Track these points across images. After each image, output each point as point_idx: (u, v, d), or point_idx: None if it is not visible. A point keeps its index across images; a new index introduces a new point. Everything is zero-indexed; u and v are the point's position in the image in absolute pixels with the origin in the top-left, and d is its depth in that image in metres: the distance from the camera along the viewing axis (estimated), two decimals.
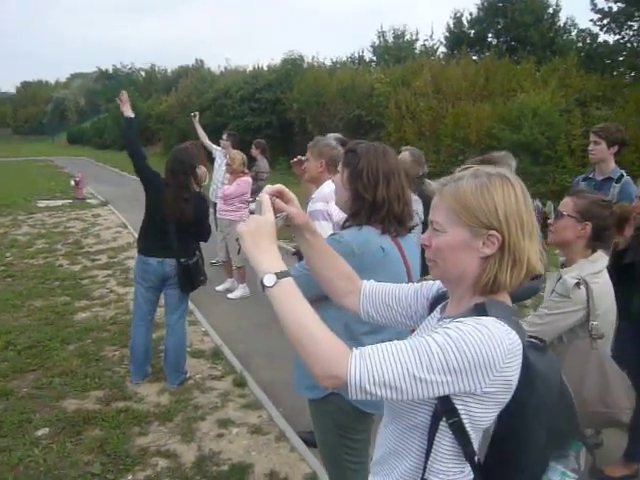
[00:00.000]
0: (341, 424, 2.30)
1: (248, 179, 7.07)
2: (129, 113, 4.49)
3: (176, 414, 4.15)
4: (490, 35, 24.03)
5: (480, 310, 1.22)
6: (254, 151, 8.93)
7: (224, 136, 8.58)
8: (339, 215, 3.45)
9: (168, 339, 4.66)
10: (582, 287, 2.35)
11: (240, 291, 7.20)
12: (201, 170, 4.50)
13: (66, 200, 15.18)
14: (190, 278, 4.45)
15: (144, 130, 38.16)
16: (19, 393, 4.48)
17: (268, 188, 1.45)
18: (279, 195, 1.47)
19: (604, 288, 2.44)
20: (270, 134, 23.14)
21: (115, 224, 12.07)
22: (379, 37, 30.41)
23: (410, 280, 2.19)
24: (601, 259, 2.49)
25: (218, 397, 4.44)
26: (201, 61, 48.56)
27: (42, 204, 14.47)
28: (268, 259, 1.26)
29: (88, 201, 15.14)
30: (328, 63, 26.56)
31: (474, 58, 21.12)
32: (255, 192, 8.61)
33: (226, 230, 7.01)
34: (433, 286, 1.54)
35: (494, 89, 16.00)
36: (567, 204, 2.50)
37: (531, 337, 1.31)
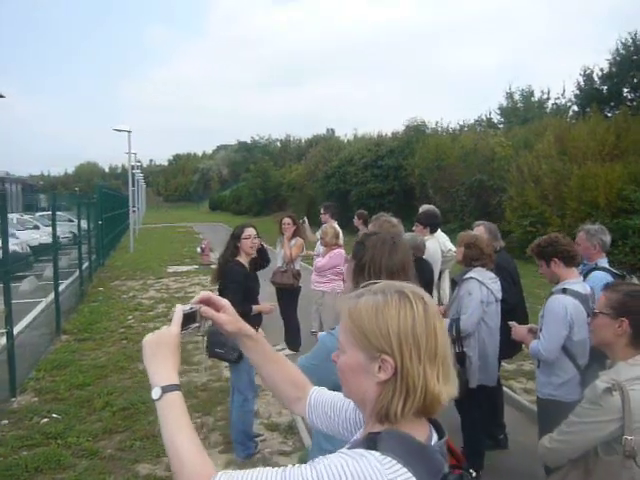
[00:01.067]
0: None
1: (341, 251, 7.15)
2: None
3: None
4: (626, 90, 22.74)
5: (370, 442, 1.11)
6: (356, 221, 9.03)
7: (321, 210, 8.72)
8: None
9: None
10: (616, 393, 2.03)
11: None
12: None
13: (193, 266, 16.22)
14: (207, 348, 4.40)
15: (276, 197, 40.42)
16: (103, 453, 4.75)
17: (197, 296, 1.47)
18: (207, 303, 1.48)
19: None
20: (392, 200, 23.40)
21: None
22: (507, 98, 30.10)
23: None
24: None
25: None
26: (332, 130, 50.89)
27: (171, 269, 15.59)
28: (161, 371, 1.27)
29: (213, 267, 16.02)
30: (453, 126, 26.62)
31: (608, 115, 20.05)
32: None
33: (319, 301, 7.11)
34: None
35: (626, 147, 14.99)
36: (600, 300, 2.27)
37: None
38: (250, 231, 4.67)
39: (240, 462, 4.53)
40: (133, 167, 24.47)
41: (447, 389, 1.14)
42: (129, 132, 20.24)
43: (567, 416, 3.40)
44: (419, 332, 1.12)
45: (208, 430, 5.08)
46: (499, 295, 4.26)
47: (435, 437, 1.18)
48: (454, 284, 4.41)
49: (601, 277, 3.96)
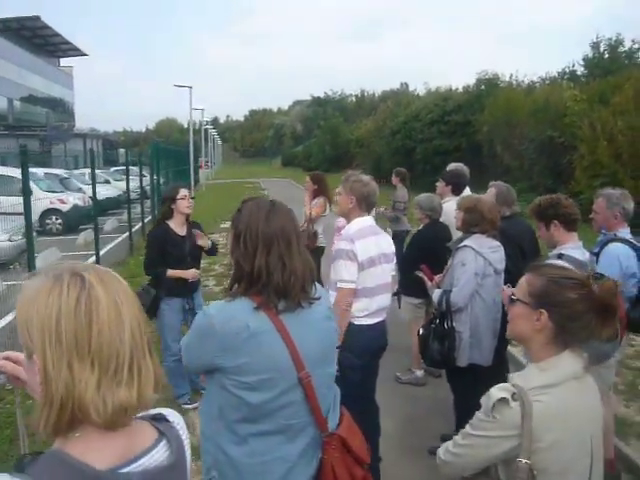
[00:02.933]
0: None
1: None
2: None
3: None
4: None
5: (18, 465, 0.88)
6: (394, 179, 8.66)
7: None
8: (367, 254, 3.29)
9: None
10: (515, 405, 1.59)
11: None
12: None
13: None
14: None
15: (345, 154, 39.91)
16: None
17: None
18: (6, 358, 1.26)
19: (557, 409, 1.61)
20: (458, 157, 22.38)
21: None
22: (592, 48, 27.86)
23: (298, 364, 1.78)
24: (560, 365, 1.67)
25: None
26: (406, 84, 49.43)
27: (225, 225, 15.68)
28: None
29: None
30: (534, 79, 25.00)
31: None
32: (393, 221, 8.33)
33: None
34: None
35: None
36: (520, 284, 1.80)
37: None
38: (184, 192, 4.70)
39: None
40: (201, 123, 24.72)
41: (119, 395, 0.90)
42: (190, 88, 20.35)
43: None
44: (64, 326, 0.88)
45: None
46: (500, 266, 3.80)
47: (143, 460, 0.94)
48: (449, 252, 4.00)
49: (619, 249, 3.48)
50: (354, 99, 58.02)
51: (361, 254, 3.24)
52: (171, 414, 1.13)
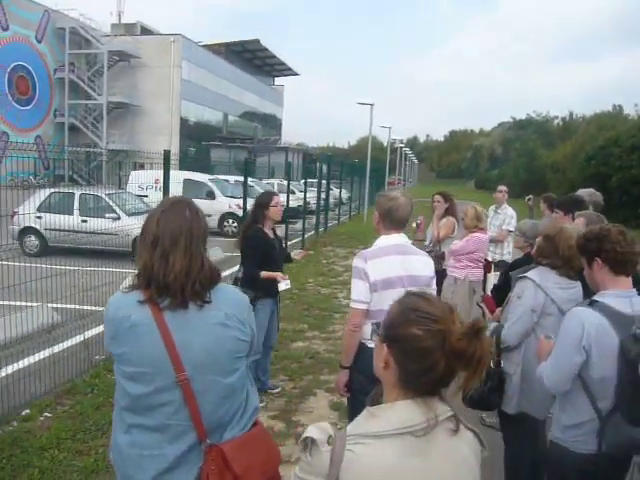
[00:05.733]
0: None
1: (480, 236, 6.43)
2: None
3: None
4: None
5: None
6: (542, 206, 8.06)
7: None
8: (382, 274, 3.11)
9: None
10: (325, 450, 1.35)
11: None
12: None
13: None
14: None
15: (540, 179, 37.60)
16: None
17: None
18: None
19: (371, 464, 1.33)
20: None
21: None
22: None
23: (176, 364, 1.82)
24: (391, 415, 1.38)
25: None
26: (619, 107, 45.10)
27: None
28: None
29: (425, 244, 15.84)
30: None
31: None
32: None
33: (451, 288, 6.54)
34: None
35: None
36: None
37: None
38: (277, 199, 4.84)
39: None
40: (394, 142, 25.30)
41: None
42: (371, 105, 20.85)
43: (573, 470, 2.64)
44: None
45: None
46: (567, 306, 3.30)
47: None
48: (508, 281, 3.65)
49: None
50: (560, 122, 54.46)
51: (373, 274, 3.05)
52: None
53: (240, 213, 16.66)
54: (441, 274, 6.93)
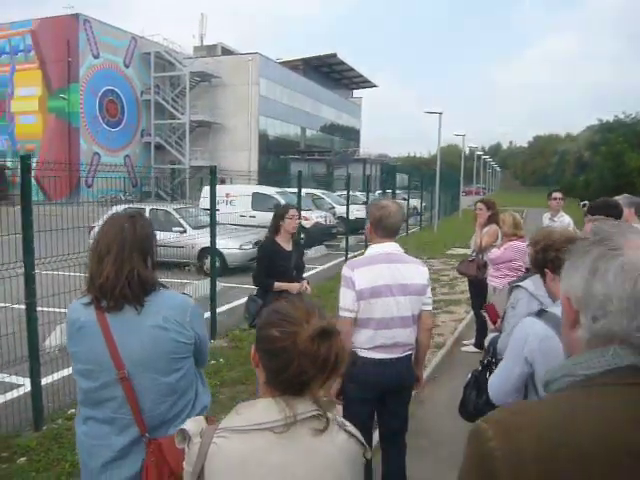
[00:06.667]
0: None
1: (519, 244, 6.30)
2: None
3: None
4: None
5: None
6: (626, 212, 7.79)
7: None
8: (369, 283, 3.11)
9: None
10: (197, 441, 1.46)
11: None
12: None
13: (466, 250, 15.95)
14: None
15: (627, 184, 35.63)
16: None
17: None
18: None
19: (230, 457, 1.42)
20: None
21: None
22: None
23: (116, 362, 2.01)
24: (252, 411, 1.46)
25: None
26: None
27: (450, 251, 15.66)
28: None
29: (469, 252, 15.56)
30: None
31: None
32: None
33: (491, 299, 6.47)
34: None
35: None
36: None
37: None
38: (293, 212, 4.80)
39: None
40: (474, 149, 24.90)
41: None
42: (440, 114, 20.70)
43: None
44: None
45: None
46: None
47: None
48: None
49: None
50: None
51: (359, 283, 3.07)
52: None
53: (307, 224, 17.18)
54: (484, 283, 6.87)
